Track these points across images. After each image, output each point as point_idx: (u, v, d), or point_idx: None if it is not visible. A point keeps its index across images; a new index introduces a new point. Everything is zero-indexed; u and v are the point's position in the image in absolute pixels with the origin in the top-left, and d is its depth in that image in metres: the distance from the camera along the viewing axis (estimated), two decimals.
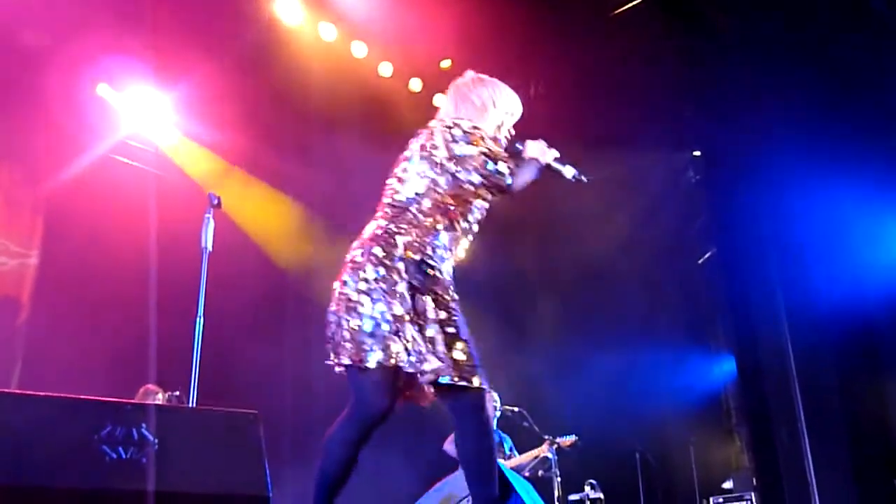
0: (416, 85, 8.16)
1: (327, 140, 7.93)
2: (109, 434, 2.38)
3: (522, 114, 3.48)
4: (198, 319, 4.06)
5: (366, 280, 3.01)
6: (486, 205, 3.27)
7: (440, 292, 3.06)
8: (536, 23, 7.43)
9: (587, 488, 7.60)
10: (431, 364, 2.92)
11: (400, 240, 3.06)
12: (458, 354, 2.96)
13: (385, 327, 2.93)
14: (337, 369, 3.02)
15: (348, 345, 2.96)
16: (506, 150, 3.28)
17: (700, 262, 9.47)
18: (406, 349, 2.93)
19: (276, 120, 7.82)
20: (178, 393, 5.41)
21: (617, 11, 8.01)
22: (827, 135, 7.28)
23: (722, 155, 8.60)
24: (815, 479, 7.24)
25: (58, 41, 6.57)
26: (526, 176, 3.19)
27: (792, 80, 7.44)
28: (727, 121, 8.07)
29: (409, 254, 3.04)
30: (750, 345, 8.36)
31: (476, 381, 2.96)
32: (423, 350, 2.94)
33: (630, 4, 8.02)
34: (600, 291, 9.03)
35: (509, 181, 3.10)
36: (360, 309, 2.97)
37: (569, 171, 3.29)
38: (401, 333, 2.93)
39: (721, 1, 7.59)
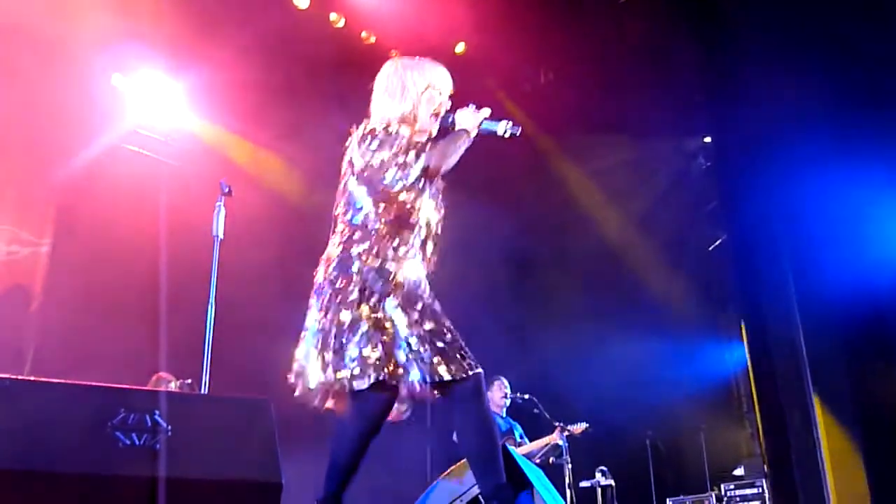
0: None
1: (339, 128, 7.91)
2: (122, 420, 2.39)
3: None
4: (209, 307, 4.07)
5: (330, 293, 3.03)
6: (427, 199, 3.20)
7: (406, 295, 3.04)
8: (549, 10, 7.40)
9: (598, 475, 7.63)
10: (413, 374, 2.92)
11: (355, 251, 3.06)
12: (436, 355, 2.93)
13: (362, 348, 2.92)
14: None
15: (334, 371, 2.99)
16: (442, 125, 3.28)
17: (711, 248, 9.45)
18: (380, 362, 2.93)
19: (288, 108, 7.81)
20: (189, 380, 5.42)
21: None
22: (840, 121, 7.23)
23: (733, 141, 8.55)
24: (828, 465, 7.22)
25: (70, 30, 6.57)
26: (456, 147, 3.15)
27: (804, 67, 7.39)
28: (738, 107, 8.02)
29: (368, 261, 3.04)
30: (761, 331, 8.32)
31: (463, 373, 2.94)
32: (403, 360, 2.94)
33: None
34: (611, 279, 9.02)
35: (420, 169, 3.06)
36: (325, 327, 3.00)
37: (501, 128, 3.25)
38: (375, 346, 2.92)
39: None
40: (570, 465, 7.16)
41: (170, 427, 2.43)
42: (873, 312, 7.31)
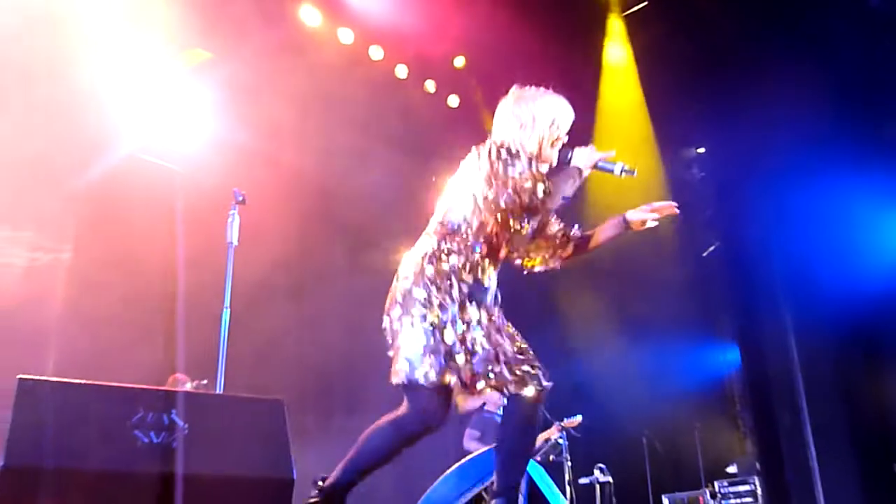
0: (430, 86, 8.17)
1: (349, 140, 7.93)
2: (141, 419, 2.40)
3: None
4: (224, 310, 4.08)
5: (416, 299, 2.98)
6: (527, 227, 3.18)
7: (487, 310, 3.05)
8: (548, 25, 7.41)
9: (597, 472, 7.62)
10: (481, 384, 2.93)
11: (452, 260, 3.05)
12: (506, 370, 2.93)
13: (438, 346, 2.92)
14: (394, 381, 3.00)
15: (400, 361, 2.98)
16: (558, 160, 3.25)
17: (705, 254, 9.44)
18: (457, 368, 2.94)
19: (298, 120, 7.83)
20: (205, 381, 5.43)
21: (625, 13, 8.01)
22: (829, 132, 7.25)
23: (726, 152, 8.57)
24: (817, 463, 7.22)
25: (84, 42, 6.59)
26: (569, 185, 3.15)
27: (793, 80, 7.40)
28: (730, 119, 8.05)
29: (463, 275, 3.03)
30: (753, 334, 8.34)
31: (527, 392, 2.96)
32: (475, 370, 2.95)
33: (637, 7, 8.01)
34: (608, 283, 9.02)
35: (540, 198, 3.01)
36: (410, 328, 2.96)
37: (617, 168, 3.26)
38: (454, 352, 2.93)
39: (723, 4, 7.56)
40: (569, 463, 7.16)
41: (186, 426, 2.44)
42: (861, 316, 7.32)
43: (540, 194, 3.01)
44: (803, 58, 7.30)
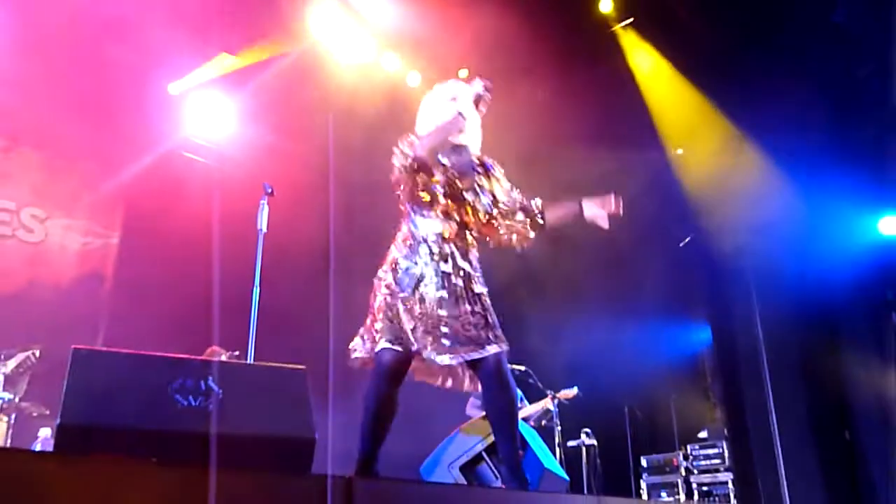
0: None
1: (364, 140, 7.92)
2: (181, 385, 2.41)
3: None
4: (255, 290, 4.09)
5: (380, 278, 3.12)
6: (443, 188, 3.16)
7: (443, 273, 3.04)
8: (541, 37, 7.38)
9: (583, 436, 7.65)
10: (442, 357, 2.92)
11: (399, 240, 3.14)
12: (456, 336, 2.93)
13: (386, 317, 3.00)
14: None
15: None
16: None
17: (681, 244, 9.43)
18: (414, 337, 2.94)
19: (321, 122, 7.82)
20: (237, 352, 5.45)
21: (613, 28, 7.98)
22: (797, 135, 7.22)
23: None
24: (778, 430, 7.23)
25: (131, 50, 6.59)
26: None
27: (767, 88, 7.37)
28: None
29: (406, 252, 3.09)
30: (724, 315, 8.33)
31: (490, 349, 2.94)
32: (434, 339, 2.95)
33: (625, 22, 7.97)
34: (595, 270, 9.01)
35: (409, 151, 3.09)
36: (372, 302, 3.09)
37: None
38: (400, 322, 2.98)
39: (703, 18, 7.51)
40: (559, 428, 7.18)
41: (221, 391, 2.45)
42: (820, 299, 7.31)
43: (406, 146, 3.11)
44: (777, 66, 7.27)
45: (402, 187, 3.12)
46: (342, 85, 7.71)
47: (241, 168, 7.65)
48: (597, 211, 3.29)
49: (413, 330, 2.96)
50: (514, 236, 3.34)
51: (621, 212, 3.36)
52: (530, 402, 7.27)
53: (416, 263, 3.04)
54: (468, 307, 3.01)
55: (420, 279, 3.01)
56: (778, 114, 7.20)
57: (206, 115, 7.61)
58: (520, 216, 3.32)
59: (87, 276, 6.81)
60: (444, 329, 2.94)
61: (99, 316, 6.64)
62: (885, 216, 7.18)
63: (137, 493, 1.68)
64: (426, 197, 3.10)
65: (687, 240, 9.33)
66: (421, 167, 3.07)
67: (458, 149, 3.26)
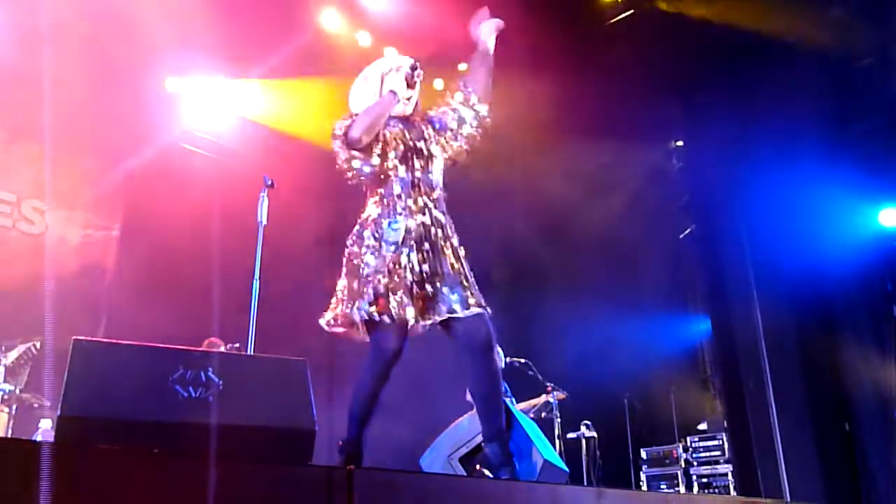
0: (438, 85, 8.14)
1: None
2: (181, 376, 2.42)
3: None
4: (254, 282, 4.09)
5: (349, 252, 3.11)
6: (394, 161, 3.16)
7: (423, 224, 3.05)
8: (540, 31, 7.36)
9: (583, 428, 7.66)
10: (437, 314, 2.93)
11: (368, 211, 3.15)
12: (454, 295, 2.94)
13: (362, 289, 2.96)
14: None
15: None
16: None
17: (681, 237, 9.43)
18: (400, 302, 2.93)
19: (318, 117, 7.82)
20: (238, 344, 5.45)
21: (612, 21, 7.95)
22: (796, 128, 7.20)
23: (701, 145, 8.53)
24: (778, 422, 7.24)
25: (129, 42, 6.57)
26: (374, 109, 3.13)
27: (765, 80, 7.36)
28: (704, 115, 8.01)
29: (375, 221, 3.09)
30: (723, 307, 8.33)
31: (471, 309, 2.93)
32: (419, 304, 2.94)
33: (624, 14, 7.95)
34: (596, 263, 9.01)
35: (343, 134, 3.10)
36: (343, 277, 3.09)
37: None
38: (392, 289, 2.94)
39: (701, 11, 7.50)
40: (559, 420, 7.20)
41: (221, 382, 2.46)
42: (819, 290, 7.31)
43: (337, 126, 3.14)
44: (774, 59, 7.26)
45: (349, 172, 3.13)
46: (341, 78, 7.69)
47: (242, 160, 7.65)
48: (483, 32, 3.38)
49: (406, 291, 2.94)
50: (467, 142, 3.33)
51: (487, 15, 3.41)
52: (531, 395, 7.28)
53: (397, 220, 3.02)
54: (454, 262, 3.03)
55: (409, 232, 3.00)
56: (778, 105, 7.19)
57: (206, 107, 7.60)
58: (472, 123, 3.32)
59: (87, 268, 6.81)
60: (438, 285, 2.94)
61: (99, 308, 6.65)
62: (884, 208, 7.18)
63: (138, 483, 1.68)
64: (379, 169, 3.12)
65: (686, 232, 9.34)
66: (355, 145, 3.08)
67: (406, 120, 3.30)
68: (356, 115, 3.15)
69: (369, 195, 3.19)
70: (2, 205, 6.55)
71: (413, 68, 3.25)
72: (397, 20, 7.46)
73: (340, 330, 3.08)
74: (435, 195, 3.16)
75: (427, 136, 3.23)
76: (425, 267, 2.96)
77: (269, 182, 4.39)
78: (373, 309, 2.91)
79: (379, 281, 2.93)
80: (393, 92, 3.18)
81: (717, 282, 8.58)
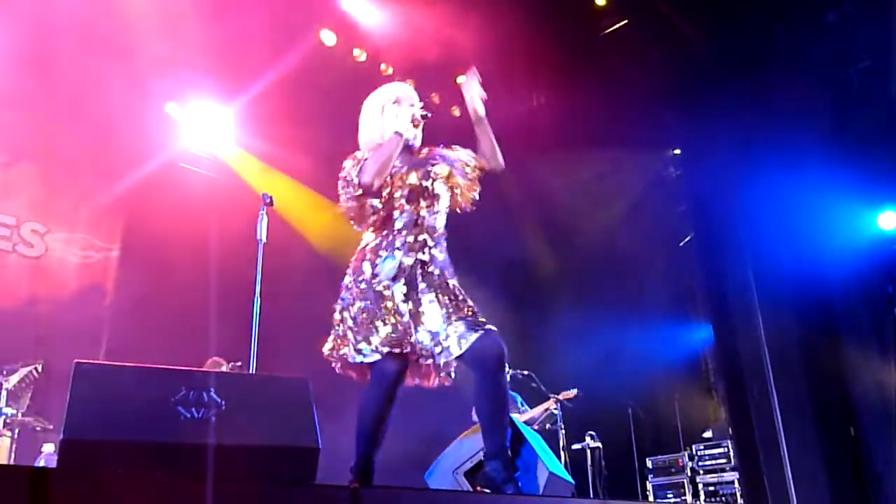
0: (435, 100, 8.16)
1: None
2: (184, 397, 2.40)
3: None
4: (255, 300, 4.08)
5: (349, 287, 3.08)
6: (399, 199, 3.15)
7: (421, 261, 3.03)
8: (539, 42, 7.39)
9: (588, 439, 7.63)
10: (442, 356, 2.93)
11: (371, 245, 3.10)
12: (460, 328, 2.93)
13: (371, 327, 2.95)
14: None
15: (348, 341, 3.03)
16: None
17: (681, 244, 9.43)
18: (412, 342, 2.94)
19: (315, 133, 7.82)
20: (240, 363, 5.44)
21: (607, 31, 7.98)
22: (794, 133, 7.22)
23: (699, 152, 8.54)
24: (783, 428, 7.22)
25: (126, 64, 6.59)
26: (383, 152, 3.10)
27: (761, 87, 7.38)
28: (702, 123, 8.02)
29: (384, 255, 3.04)
30: (725, 314, 8.32)
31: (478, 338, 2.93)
32: (430, 343, 2.94)
33: (618, 24, 7.98)
34: (598, 272, 9.02)
35: (356, 181, 3.06)
36: (348, 312, 3.05)
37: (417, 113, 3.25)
38: (404, 328, 2.94)
39: (695, 19, 7.53)
40: (563, 431, 7.18)
41: (223, 402, 2.44)
42: (821, 296, 7.31)
43: (352, 176, 3.08)
44: (770, 66, 7.28)
45: (358, 219, 3.12)
46: (339, 92, 7.71)
47: (240, 178, 7.66)
48: (470, 95, 3.28)
49: (413, 326, 2.94)
50: (471, 192, 3.33)
51: (476, 77, 3.29)
52: (533, 406, 7.26)
53: (394, 256, 3.02)
54: (456, 294, 3.03)
55: (403, 270, 3.00)
56: (776, 111, 7.21)
57: (204, 125, 7.62)
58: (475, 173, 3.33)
59: (87, 289, 6.81)
60: (457, 321, 2.94)
61: (100, 329, 6.64)
62: (884, 211, 7.19)
63: None
64: (383, 210, 3.11)
65: (686, 239, 9.34)
66: (368, 193, 3.07)
67: (406, 150, 3.27)
68: (364, 160, 3.13)
69: (368, 225, 3.18)
70: (1, 228, 6.56)
71: (423, 117, 3.23)
72: (393, 36, 7.48)
73: (338, 366, 3.09)
74: (436, 234, 3.16)
75: (434, 175, 3.21)
76: (423, 307, 2.97)
77: (268, 200, 4.38)
78: (368, 348, 2.93)
79: (374, 321, 2.94)
80: (398, 133, 3.15)
81: (718, 288, 8.57)
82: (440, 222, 3.21)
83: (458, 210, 3.31)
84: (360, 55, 7.73)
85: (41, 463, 4.90)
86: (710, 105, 7.89)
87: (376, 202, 3.11)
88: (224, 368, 5.72)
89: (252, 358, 3.92)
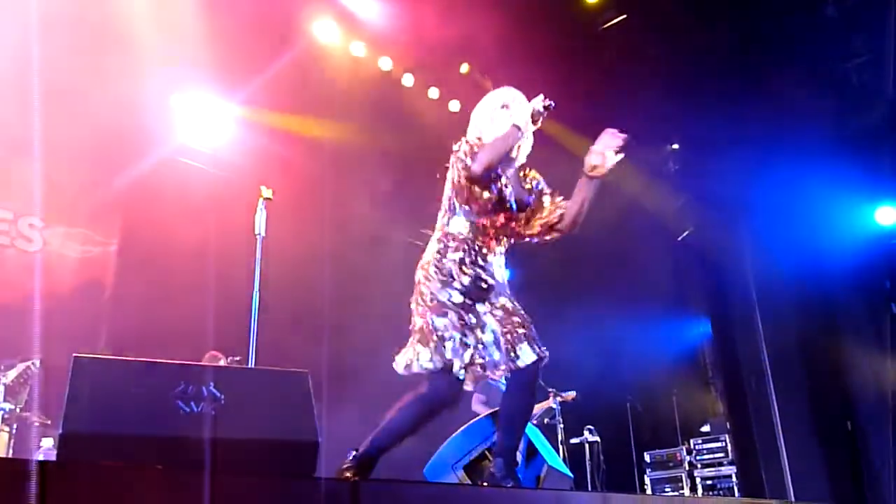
0: (434, 93, 8.15)
1: (358, 143, 7.90)
2: (183, 391, 2.40)
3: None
4: (254, 294, 4.07)
5: (424, 294, 3.02)
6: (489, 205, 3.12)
7: (490, 299, 3.04)
8: (538, 37, 7.37)
9: (586, 433, 7.64)
10: (498, 369, 2.96)
11: (452, 255, 3.04)
12: (507, 352, 2.95)
13: (443, 336, 2.94)
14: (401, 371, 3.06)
15: (410, 351, 3.01)
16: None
17: (679, 238, 9.43)
18: (472, 355, 2.94)
19: (315, 126, 7.81)
20: (238, 357, 5.43)
21: (605, 26, 7.96)
22: (791, 128, 7.22)
23: (697, 148, 8.55)
24: (780, 422, 7.24)
25: (125, 57, 6.57)
26: (498, 144, 3.08)
27: (759, 83, 7.37)
28: (701, 118, 8.01)
29: (464, 268, 3.02)
30: (722, 309, 8.34)
31: (522, 362, 2.94)
32: (488, 358, 2.96)
33: (616, 20, 7.96)
34: (596, 267, 9.01)
35: (469, 162, 3.02)
36: (420, 320, 3.02)
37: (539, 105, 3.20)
38: (465, 340, 2.94)
39: (693, 13, 7.51)
40: (562, 425, 7.18)
41: (222, 396, 2.44)
42: (818, 290, 7.32)
43: (468, 158, 3.03)
44: (769, 60, 7.27)
45: (455, 193, 3.09)
46: (337, 88, 7.69)
47: (239, 173, 7.64)
48: (595, 159, 3.21)
49: (479, 340, 2.95)
50: (544, 237, 3.33)
51: (621, 141, 3.21)
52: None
53: (463, 273, 3.00)
54: (516, 312, 3.06)
55: (475, 283, 3.00)
56: (775, 106, 7.21)
57: (203, 120, 7.59)
58: (553, 220, 3.31)
59: (86, 284, 6.79)
60: (510, 337, 2.97)
61: (99, 324, 6.63)
62: (881, 206, 7.19)
63: (141, 500, 1.67)
64: (475, 207, 3.10)
65: (685, 234, 9.34)
66: (475, 181, 3.05)
67: (509, 161, 3.25)
68: (481, 145, 3.10)
69: (453, 214, 3.15)
70: None
71: (545, 108, 3.19)
72: (391, 29, 7.46)
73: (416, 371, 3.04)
74: (501, 250, 3.18)
75: (523, 198, 3.23)
76: (497, 322, 3.00)
77: (267, 194, 4.37)
78: (454, 372, 2.92)
79: (455, 335, 2.94)
80: (517, 126, 3.13)
81: (716, 283, 8.58)
82: (509, 240, 3.23)
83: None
84: (360, 49, 7.71)
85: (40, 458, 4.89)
86: (709, 100, 7.88)
87: (484, 194, 3.07)
88: (222, 363, 5.72)
89: (251, 352, 3.92)
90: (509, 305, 3.07)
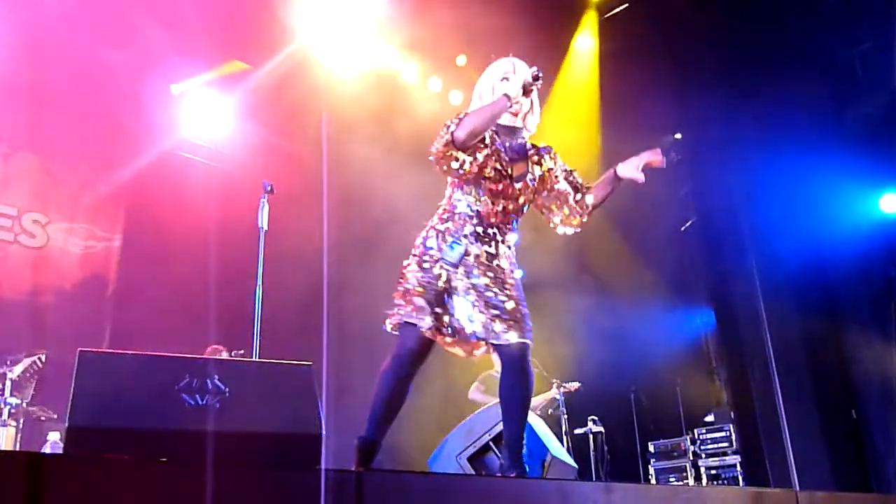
0: (435, 85, 8.14)
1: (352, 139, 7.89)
2: (187, 384, 2.40)
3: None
4: (257, 288, 4.09)
5: (415, 255, 3.08)
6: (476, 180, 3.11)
7: (482, 267, 3.03)
8: (541, 24, 7.35)
9: (590, 423, 7.66)
10: (476, 339, 2.98)
11: (445, 226, 3.08)
12: (491, 322, 2.95)
13: (426, 294, 2.97)
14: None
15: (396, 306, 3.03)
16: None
17: (682, 228, 9.42)
18: (442, 316, 2.96)
19: (315, 120, 7.80)
20: (242, 350, 5.45)
21: (608, 14, 7.95)
22: (793, 117, 7.20)
23: (700, 136, 8.52)
24: (784, 411, 7.24)
25: (127, 52, 6.58)
26: (485, 112, 3.05)
27: (760, 72, 7.36)
28: (704, 106, 8.00)
29: (455, 238, 3.03)
30: (726, 298, 8.33)
31: (503, 339, 2.94)
32: (458, 325, 2.97)
33: (619, 8, 7.95)
34: (600, 257, 9.00)
35: (452, 128, 2.98)
36: (406, 275, 3.06)
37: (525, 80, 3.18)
38: (441, 300, 2.97)
39: (697, 3, 7.50)
40: (566, 416, 7.20)
41: (226, 389, 2.45)
42: (821, 279, 7.32)
43: (449, 124, 2.99)
44: (771, 49, 7.25)
45: (441, 165, 3.07)
46: (337, 81, 7.69)
47: (241, 167, 7.65)
48: (632, 171, 3.25)
49: (457, 308, 2.95)
50: (562, 221, 3.33)
51: (662, 163, 3.29)
52: (536, 392, 7.28)
53: (459, 241, 3.00)
54: (510, 292, 3.01)
55: (466, 255, 2.99)
56: (777, 95, 7.19)
57: (204, 114, 7.60)
58: (569, 204, 3.30)
59: (90, 279, 6.82)
60: (494, 311, 2.94)
61: (103, 318, 6.66)
62: (885, 194, 7.18)
63: (148, 493, 1.68)
64: (467, 176, 3.06)
65: (688, 224, 9.32)
66: (459, 146, 2.99)
67: (514, 131, 3.21)
68: (466, 113, 3.07)
69: (446, 201, 3.17)
70: (2, 219, 6.56)
71: (535, 77, 3.15)
72: (395, 18, 7.45)
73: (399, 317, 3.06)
74: (507, 229, 3.15)
75: (529, 175, 3.19)
76: (489, 293, 2.98)
77: (269, 187, 4.39)
78: (425, 325, 2.94)
79: (434, 296, 2.96)
80: (506, 95, 3.09)
81: (719, 272, 8.58)
82: (515, 218, 3.21)
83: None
84: (360, 43, 7.70)
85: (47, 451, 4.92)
86: (712, 88, 7.87)
87: (464, 157, 3.02)
88: (224, 356, 5.74)
89: (255, 345, 3.93)
90: (501, 284, 3.04)
